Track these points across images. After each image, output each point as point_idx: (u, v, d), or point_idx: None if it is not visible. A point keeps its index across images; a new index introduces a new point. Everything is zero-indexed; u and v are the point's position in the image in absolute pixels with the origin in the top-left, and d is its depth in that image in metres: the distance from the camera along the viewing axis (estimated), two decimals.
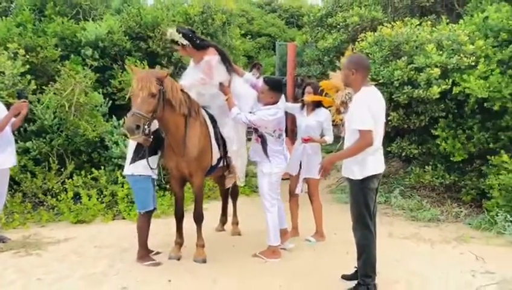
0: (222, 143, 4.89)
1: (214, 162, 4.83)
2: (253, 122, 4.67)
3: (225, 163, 5.04)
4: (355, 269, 4.19)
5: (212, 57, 4.69)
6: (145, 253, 4.69)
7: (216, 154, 4.83)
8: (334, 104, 4.99)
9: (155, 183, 4.83)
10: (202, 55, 4.75)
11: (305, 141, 5.32)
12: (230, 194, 5.94)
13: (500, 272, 4.42)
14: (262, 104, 4.79)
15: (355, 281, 4.04)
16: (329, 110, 5.32)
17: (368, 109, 3.72)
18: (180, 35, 4.64)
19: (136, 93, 4.10)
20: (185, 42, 4.67)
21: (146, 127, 4.08)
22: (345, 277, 4.27)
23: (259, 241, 5.43)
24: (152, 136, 4.39)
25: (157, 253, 4.88)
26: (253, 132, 4.94)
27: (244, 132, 5.26)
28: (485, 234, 5.72)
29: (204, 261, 4.71)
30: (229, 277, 4.33)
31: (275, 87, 4.78)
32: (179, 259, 4.78)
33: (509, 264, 4.63)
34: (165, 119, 4.41)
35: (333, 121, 5.35)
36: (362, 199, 3.84)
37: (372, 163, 3.83)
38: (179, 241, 4.87)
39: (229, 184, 5.30)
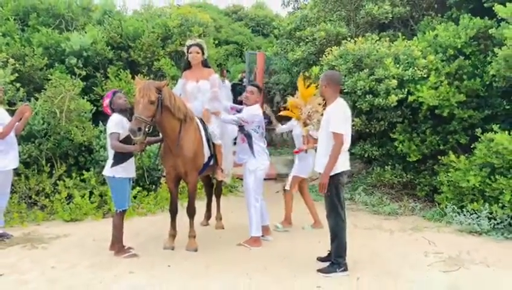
0: (212, 143, 5.56)
1: (205, 160, 5.47)
2: (243, 119, 5.46)
3: (214, 161, 5.69)
4: (328, 252, 4.94)
5: (217, 76, 5.86)
6: (121, 247, 5.09)
7: (207, 153, 5.47)
8: (301, 118, 5.89)
9: (131, 183, 5.29)
10: (205, 72, 5.79)
11: (297, 152, 6.21)
12: (214, 192, 6.59)
13: (447, 252, 5.27)
14: (248, 104, 5.61)
15: (329, 262, 4.78)
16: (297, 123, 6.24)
17: (343, 116, 4.55)
18: (205, 47, 5.82)
19: (138, 101, 4.73)
20: (206, 52, 5.82)
21: (146, 130, 4.69)
22: (320, 259, 5.00)
23: (241, 234, 6.10)
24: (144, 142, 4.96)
25: (130, 248, 5.16)
26: (237, 133, 5.69)
27: (230, 133, 5.97)
28: (436, 224, 6.58)
29: (195, 250, 5.32)
30: (220, 263, 4.96)
31: (260, 90, 5.77)
32: (172, 249, 5.36)
33: (455, 246, 5.50)
34: (163, 123, 5.02)
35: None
36: (335, 191, 4.59)
37: (342, 161, 4.59)
38: (173, 233, 5.46)
39: (220, 177, 5.89)
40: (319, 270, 4.68)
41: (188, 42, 5.92)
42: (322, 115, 5.51)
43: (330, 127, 4.51)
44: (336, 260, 4.67)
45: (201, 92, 5.77)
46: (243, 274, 4.62)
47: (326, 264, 4.78)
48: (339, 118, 4.51)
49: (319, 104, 5.93)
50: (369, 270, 4.76)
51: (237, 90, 12.25)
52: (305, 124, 5.94)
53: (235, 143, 5.96)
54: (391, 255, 5.23)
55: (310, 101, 6.00)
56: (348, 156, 4.79)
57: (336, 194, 4.60)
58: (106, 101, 5.12)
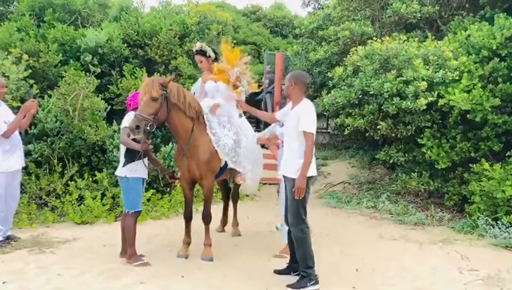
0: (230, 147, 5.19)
1: (223, 163, 5.13)
2: None
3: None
4: (287, 264, 4.63)
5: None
6: (134, 252, 4.80)
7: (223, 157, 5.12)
8: (230, 81, 5.42)
9: (144, 184, 5.02)
10: None
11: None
12: (231, 197, 6.27)
13: (484, 269, 4.84)
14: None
15: (290, 275, 4.46)
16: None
17: (314, 116, 4.28)
18: (210, 48, 5.41)
19: (140, 98, 4.50)
20: (212, 54, 5.45)
21: (148, 128, 4.38)
22: (277, 272, 4.64)
23: (259, 241, 5.79)
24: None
25: (141, 256, 4.88)
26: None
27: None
28: (467, 237, 6.15)
29: (211, 260, 4.98)
30: (239, 273, 4.62)
31: None
32: (186, 257, 5.04)
33: (491, 263, 5.07)
34: (173, 122, 4.73)
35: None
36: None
37: (312, 165, 4.25)
38: (187, 241, 5.14)
39: (240, 181, 5.51)
40: (289, 286, 4.28)
41: (194, 48, 5.74)
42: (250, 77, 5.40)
43: (300, 126, 4.20)
44: (305, 272, 4.28)
45: (219, 92, 5.46)
46: (263, 288, 4.28)
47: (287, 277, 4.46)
48: (309, 117, 4.23)
49: (246, 68, 5.53)
50: (399, 287, 4.38)
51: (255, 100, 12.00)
52: (235, 87, 5.44)
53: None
54: (422, 270, 4.84)
55: (237, 64, 5.51)
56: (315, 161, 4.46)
57: (302, 200, 4.23)
58: (129, 98, 4.96)
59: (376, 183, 9.18)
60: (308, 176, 4.20)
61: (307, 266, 4.26)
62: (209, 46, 5.63)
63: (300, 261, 4.30)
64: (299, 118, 4.23)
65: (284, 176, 4.44)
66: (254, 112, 5.10)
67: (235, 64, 5.44)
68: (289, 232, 4.52)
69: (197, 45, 5.65)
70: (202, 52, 5.55)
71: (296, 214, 4.26)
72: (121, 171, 4.78)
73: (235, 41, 14.46)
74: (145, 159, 4.75)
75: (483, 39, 6.91)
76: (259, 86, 7.10)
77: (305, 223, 4.29)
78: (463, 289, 4.38)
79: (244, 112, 5.64)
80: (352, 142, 12.84)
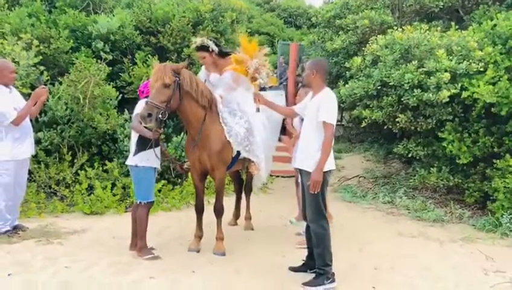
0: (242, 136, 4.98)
1: (235, 153, 4.92)
2: None
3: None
4: (303, 261, 4.43)
5: None
6: (144, 245, 4.64)
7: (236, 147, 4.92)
8: (249, 73, 5.13)
9: (156, 174, 4.84)
10: (226, 61, 5.12)
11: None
12: (244, 189, 6.07)
13: (511, 271, 4.59)
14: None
15: (306, 272, 4.27)
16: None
17: (335, 106, 4.06)
18: (211, 42, 5.06)
19: (152, 85, 4.30)
20: (215, 48, 5.09)
21: (160, 116, 4.18)
22: (292, 269, 4.43)
23: (272, 236, 5.60)
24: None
25: (152, 249, 4.74)
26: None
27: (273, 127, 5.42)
28: (490, 235, 5.88)
29: (223, 255, 4.81)
30: (252, 268, 4.44)
31: None
32: (198, 251, 4.87)
33: None
34: (185, 110, 4.53)
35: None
36: (320, 191, 4.00)
37: (330, 158, 4.04)
38: (199, 234, 4.96)
39: (254, 171, 5.27)
40: (305, 284, 4.08)
41: (193, 45, 5.31)
42: (269, 69, 5.11)
43: (320, 116, 3.97)
44: (322, 269, 4.07)
45: (222, 83, 5.26)
46: (278, 285, 4.09)
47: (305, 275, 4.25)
48: (330, 107, 4.01)
49: (265, 60, 5.22)
50: (420, 288, 4.16)
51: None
52: (254, 79, 5.12)
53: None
54: (443, 270, 4.61)
55: (256, 56, 5.21)
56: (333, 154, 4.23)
57: (322, 194, 4.03)
58: (142, 86, 4.79)
59: (392, 177, 8.92)
60: (325, 170, 3.98)
61: (324, 264, 4.06)
62: (210, 39, 5.22)
63: (318, 258, 4.10)
64: (319, 108, 4.00)
65: (299, 170, 4.22)
66: (272, 107, 4.86)
67: (253, 56, 5.15)
68: (307, 228, 4.32)
69: (198, 41, 5.19)
70: (204, 48, 5.16)
71: (315, 209, 4.06)
72: (131, 160, 4.60)
73: (249, 30, 14.26)
74: (157, 149, 4.56)
75: (510, 29, 6.58)
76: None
77: (326, 218, 4.09)
78: None
79: None
80: (367, 136, 12.58)
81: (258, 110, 4.65)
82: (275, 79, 5.47)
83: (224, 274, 4.28)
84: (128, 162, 4.70)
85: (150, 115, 4.13)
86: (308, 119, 4.16)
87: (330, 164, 4.06)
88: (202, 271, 4.33)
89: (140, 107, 4.43)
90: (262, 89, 5.13)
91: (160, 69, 4.26)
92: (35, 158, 6.56)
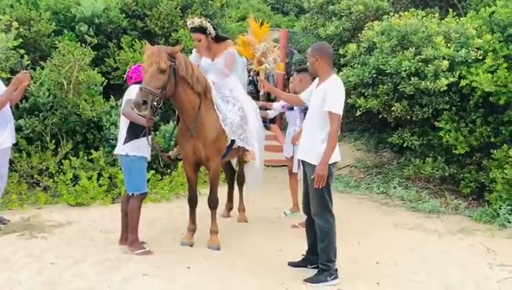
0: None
1: (229, 142, 4.72)
2: None
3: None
4: (303, 256, 4.24)
5: (234, 50, 4.89)
6: (136, 238, 4.39)
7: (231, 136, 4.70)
8: (255, 56, 4.93)
9: (146, 164, 4.57)
10: (220, 47, 4.91)
11: None
12: (236, 179, 5.85)
13: None
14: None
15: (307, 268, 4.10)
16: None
17: (343, 95, 3.83)
18: (210, 24, 4.76)
19: (145, 69, 4.00)
20: (213, 31, 4.79)
21: (155, 103, 3.93)
22: (292, 264, 4.25)
23: (266, 228, 5.42)
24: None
25: (143, 243, 4.50)
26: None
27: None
28: (487, 227, 5.78)
29: (218, 249, 4.59)
30: (248, 264, 4.24)
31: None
32: (191, 245, 4.64)
33: None
34: (179, 98, 4.27)
35: (254, 71, 5.18)
36: (325, 184, 3.80)
37: (335, 151, 3.84)
38: (192, 228, 4.72)
39: (250, 159, 5.08)
40: (307, 280, 3.90)
41: (189, 24, 4.93)
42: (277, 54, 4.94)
43: (326, 106, 3.75)
44: (326, 265, 3.89)
45: (215, 69, 4.99)
46: (278, 282, 3.90)
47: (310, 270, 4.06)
48: (337, 96, 3.78)
49: (274, 46, 5.06)
50: (427, 284, 4.01)
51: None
52: (260, 63, 4.91)
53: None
54: (446, 265, 4.46)
55: (264, 40, 5.00)
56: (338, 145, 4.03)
57: (327, 187, 3.83)
58: (130, 72, 4.53)
59: (384, 167, 8.77)
60: (331, 162, 3.78)
61: (328, 259, 3.87)
62: (209, 22, 4.90)
63: (321, 253, 3.91)
64: (325, 97, 3.77)
65: (303, 162, 4.01)
66: (277, 93, 4.62)
67: (262, 40, 4.90)
68: (308, 222, 4.12)
69: (195, 21, 4.83)
70: (202, 30, 4.81)
71: (320, 203, 3.86)
72: (121, 149, 4.33)
73: (237, 16, 13.94)
74: (150, 137, 4.29)
75: (509, 16, 6.45)
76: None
77: (331, 212, 3.90)
78: (497, 287, 4.00)
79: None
80: (357, 125, 12.41)
81: (263, 96, 4.43)
82: (282, 65, 5.21)
83: (220, 271, 4.06)
84: (117, 151, 4.43)
85: (145, 102, 3.85)
86: (312, 108, 3.93)
87: (335, 156, 3.86)
88: (198, 267, 4.11)
89: (133, 92, 4.13)
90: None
91: (155, 53, 3.97)
92: (15, 146, 6.20)
